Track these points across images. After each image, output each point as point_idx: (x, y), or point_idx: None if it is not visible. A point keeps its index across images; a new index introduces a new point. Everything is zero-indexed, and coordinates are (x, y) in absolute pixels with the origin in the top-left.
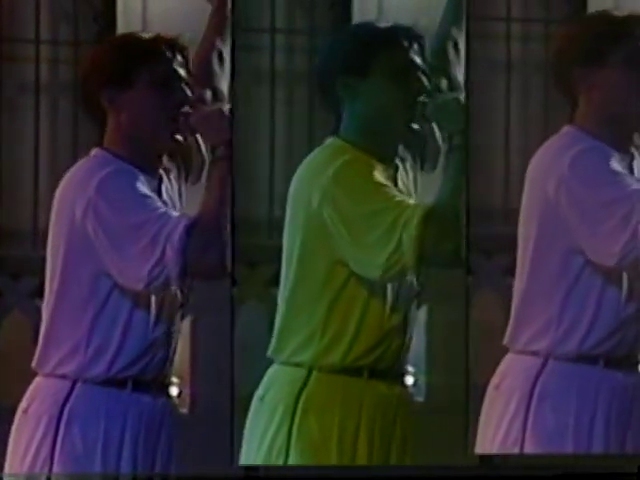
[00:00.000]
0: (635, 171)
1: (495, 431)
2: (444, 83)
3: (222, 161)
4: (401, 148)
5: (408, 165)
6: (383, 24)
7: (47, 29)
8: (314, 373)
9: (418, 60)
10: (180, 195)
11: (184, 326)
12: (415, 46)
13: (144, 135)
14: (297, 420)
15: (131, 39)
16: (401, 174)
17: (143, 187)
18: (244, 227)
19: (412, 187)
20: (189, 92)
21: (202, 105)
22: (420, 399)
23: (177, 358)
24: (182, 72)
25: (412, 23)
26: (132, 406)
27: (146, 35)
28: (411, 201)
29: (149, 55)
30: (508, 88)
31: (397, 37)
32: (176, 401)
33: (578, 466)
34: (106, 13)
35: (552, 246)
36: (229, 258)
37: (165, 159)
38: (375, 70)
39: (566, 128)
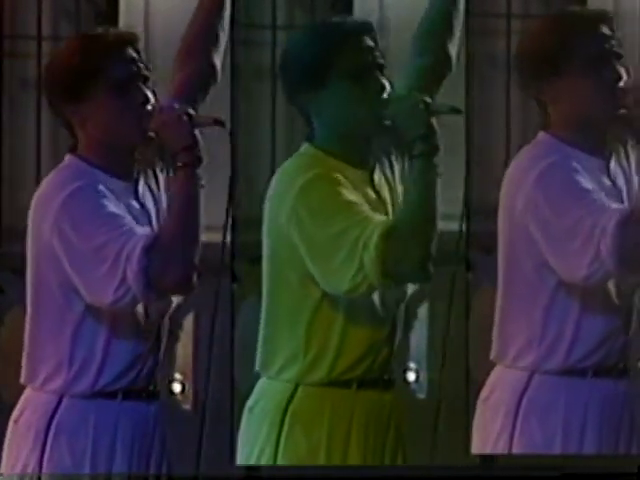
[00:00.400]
0: (612, 170)
1: (484, 443)
2: (435, 56)
3: (184, 169)
4: (384, 144)
5: (393, 159)
6: (327, 26)
7: (49, 26)
8: (300, 388)
9: (372, 55)
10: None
11: (187, 323)
12: (366, 40)
13: (113, 140)
14: (284, 435)
15: (76, 49)
16: (384, 171)
17: (109, 202)
18: (245, 224)
19: (398, 182)
20: (147, 89)
21: (161, 109)
22: (422, 396)
23: (180, 354)
24: (136, 69)
25: (357, 16)
26: (123, 415)
27: (90, 40)
28: (377, 216)
29: (97, 62)
30: (508, 85)
31: (344, 39)
32: (179, 398)
33: (578, 466)
34: (108, 11)
35: (525, 263)
36: (194, 271)
37: (148, 153)
38: (331, 79)
39: (541, 135)
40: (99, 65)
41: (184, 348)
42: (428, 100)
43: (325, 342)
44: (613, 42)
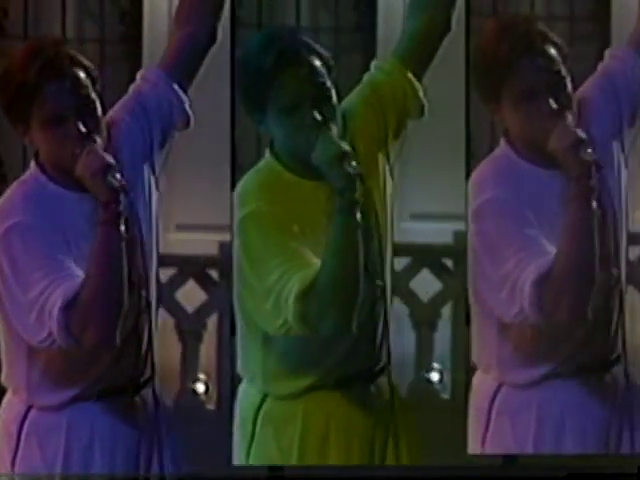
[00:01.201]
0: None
1: (470, 439)
2: (429, 16)
3: (101, 227)
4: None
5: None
6: (260, 60)
7: (73, 28)
8: (269, 398)
9: (303, 88)
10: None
11: (210, 323)
12: (298, 72)
13: (62, 164)
14: (256, 434)
15: (8, 81)
16: None
17: (46, 241)
18: None
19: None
20: (84, 119)
21: (86, 154)
22: (445, 396)
23: (204, 354)
24: (69, 100)
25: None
26: (100, 414)
27: (20, 73)
28: (304, 264)
29: (27, 101)
30: None
31: (275, 76)
32: (203, 398)
33: (577, 466)
34: (132, 12)
35: (477, 281)
36: (115, 327)
37: None
38: (267, 114)
39: (502, 145)
40: (28, 101)
41: (207, 349)
42: (348, 150)
43: (282, 360)
44: (549, 70)
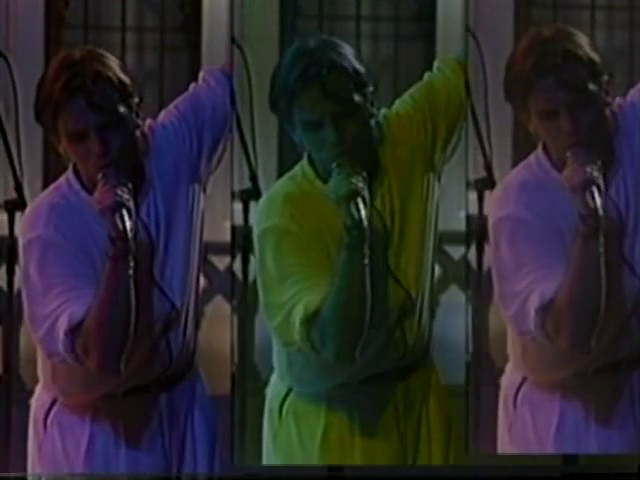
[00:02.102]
0: (609, 182)
1: (498, 431)
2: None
3: (109, 261)
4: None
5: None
6: (284, 78)
7: (133, 16)
8: (293, 392)
9: (323, 107)
10: None
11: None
12: (319, 90)
13: (90, 176)
14: (282, 424)
15: (39, 95)
16: (379, 183)
17: (69, 256)
18: None
19: (397, 191)
20: (102, 140)
21: (102, 186)
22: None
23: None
24: (91, 117)
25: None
26: (126, 410)
27: (48, 86)
28: (313, 288)
29: (54, 114)
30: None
31: (298, 90)
32: None
33: (578, 466)
34: (192, 1)
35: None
36: (118, 355)
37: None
38: (295, 127)
39: (538, 151)
40: (55, 117)
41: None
42: (358, 188)
43: (305, 365)
44: (571, 89)
